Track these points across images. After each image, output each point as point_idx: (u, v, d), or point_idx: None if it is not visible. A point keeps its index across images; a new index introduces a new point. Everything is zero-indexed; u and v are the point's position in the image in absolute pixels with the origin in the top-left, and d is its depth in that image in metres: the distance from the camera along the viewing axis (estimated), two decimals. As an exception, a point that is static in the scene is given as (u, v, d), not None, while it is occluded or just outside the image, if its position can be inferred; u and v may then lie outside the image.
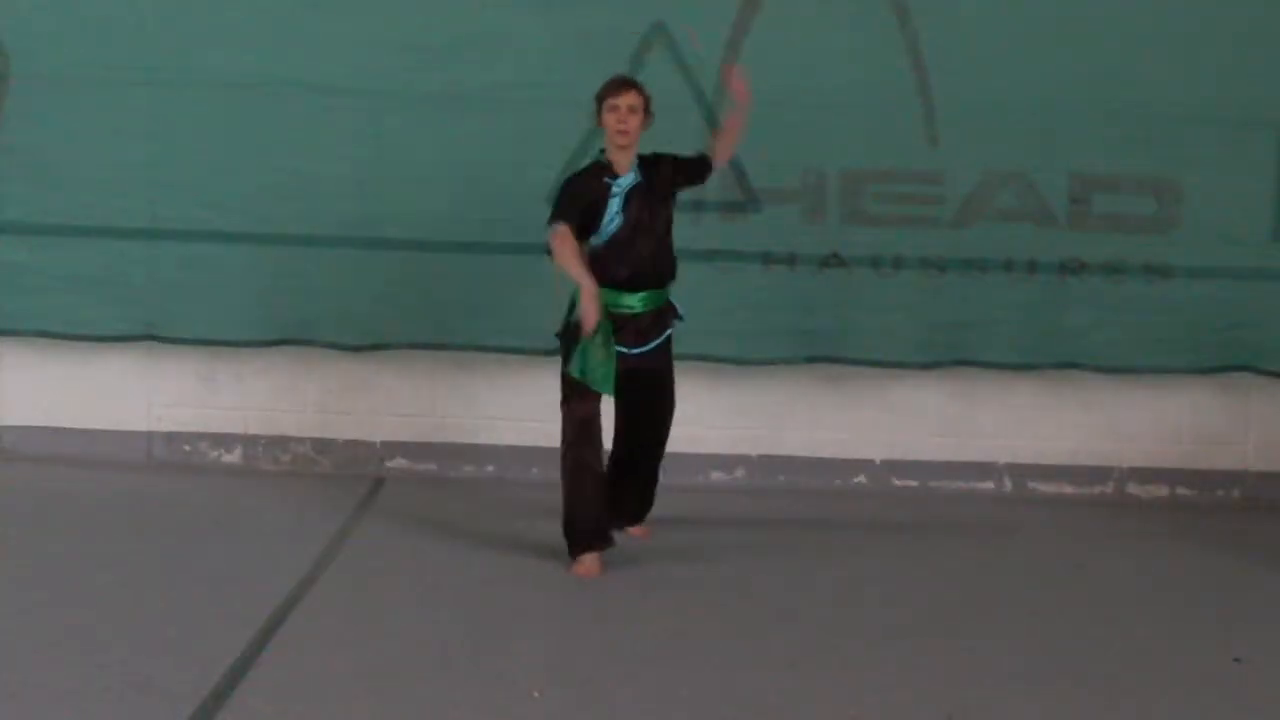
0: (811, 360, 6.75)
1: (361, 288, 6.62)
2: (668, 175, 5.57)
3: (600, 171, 5.47)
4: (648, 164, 5.53)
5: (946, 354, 6.73)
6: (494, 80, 6.54)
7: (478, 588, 5.19)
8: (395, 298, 6.64)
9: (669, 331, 5.64)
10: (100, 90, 6.50)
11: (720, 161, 5.74)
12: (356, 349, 6.71)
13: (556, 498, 6.09)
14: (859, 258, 6.63)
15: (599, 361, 5.34)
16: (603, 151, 5.52)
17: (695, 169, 5.67)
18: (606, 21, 6.50)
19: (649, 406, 5.68)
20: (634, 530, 5.88)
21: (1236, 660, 4.68)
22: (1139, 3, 6.58)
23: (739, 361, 6.68)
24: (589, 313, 5.26)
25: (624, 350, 5.45)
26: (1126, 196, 6.64)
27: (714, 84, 6.52)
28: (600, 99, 5.44)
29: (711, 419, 6.66)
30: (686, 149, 5.74)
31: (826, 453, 6.88)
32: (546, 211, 6.40)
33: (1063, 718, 4.21)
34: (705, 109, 6.51)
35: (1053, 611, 5.15)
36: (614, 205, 5.43)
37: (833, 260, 6.64)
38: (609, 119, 5.41)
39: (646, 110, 5.45)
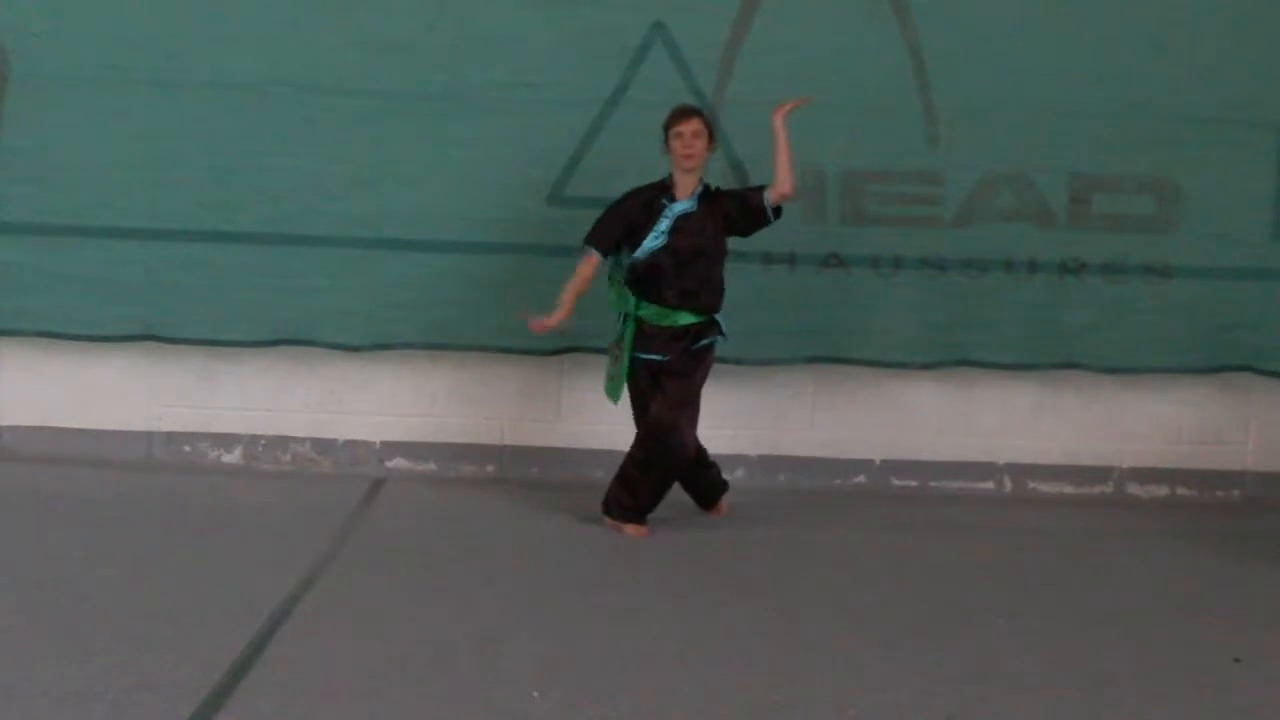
0: (811, 360, 6.76)
1: (361, 288, 6.62)
2: (730, 210, 5.85)
3: (662, 191, 5.82)
4: (712, 196, 5.86)
5: (946, 354, 6.74)
6: (494, 80, 6.54)
7: (478, 588, 5.18)
8: (395, 298, 6.64)
9: (704, 341, 5.87)
10: (100, 90, 6.50)
11: (787, 190, 5.80)
12: (356, 349, 6.71)
13: (556, 497, 6.12)
14: (859, 258, 6.64)
15: (612, 372, 5.89)
16: (670, 175, 5.83)
17: (749, 219, 5.86)
18: (606, 21, 6.51)
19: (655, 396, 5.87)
20: (633, 530, 5.89)
21: (1236, 660, 4.68)
22: (1139, 3, 6.59)
23: (739, 361, 6.68)
24: (542, 322, 5.81)
25: (654, 358, 5.83)
26: (1126, 196, 6.66)
27: (714, 84, 6.53)
28: (667, 127, 5.79)
29: (711, 419, 6.64)
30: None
31: (826, 453, 6.88)
32: (546, 212, 6.42)
33: (1063, 718, 4.21)
34: (705, 108, 6.50)
35: (1053, 611, 5.15)
36: (662, 225, 5.77)
37: (833, 260, 6.65)
38: (675, 145, 5.77)
39: (711, 136, 5.82)
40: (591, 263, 5.82)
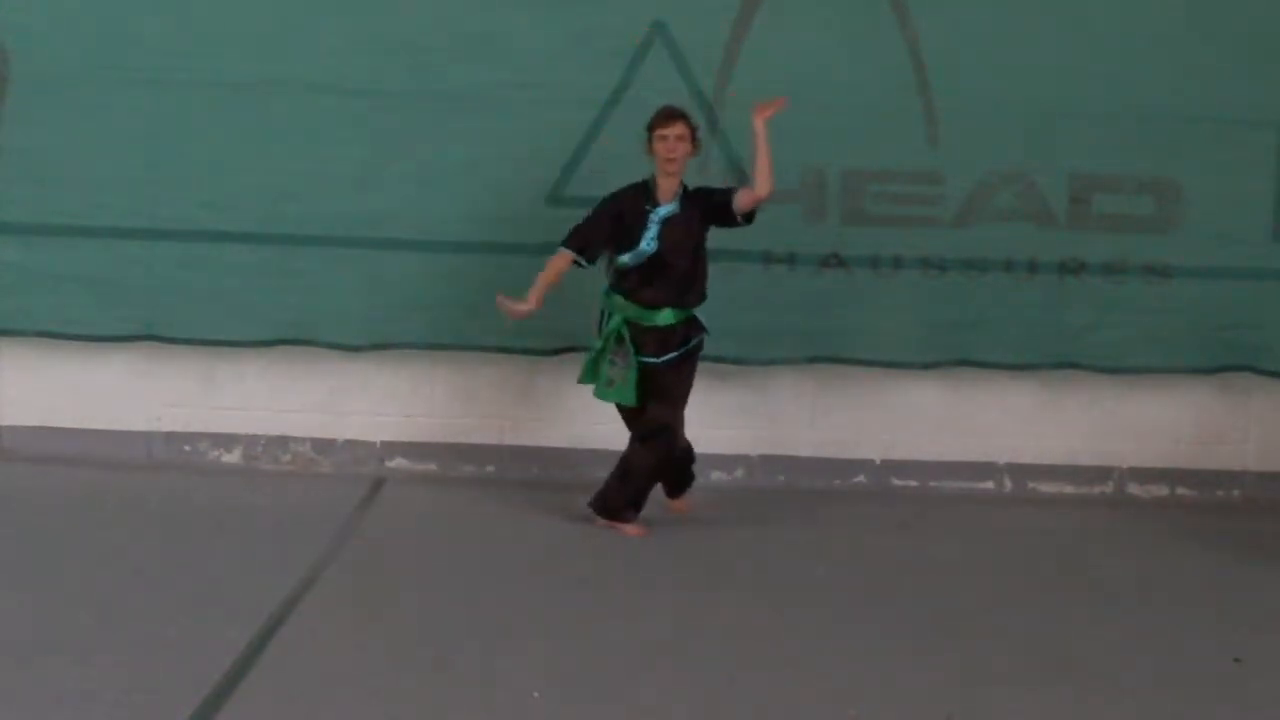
0: (811, 360, 6.75)
1: (361, 288, 6.62)
2: (704, 208, 5.84)
3: (644, 197, 5.81)
4: (690, 196, 5.85)
5: (946, 354, 6.74)
6: (494, 80, 6.54)
7: (478, 588, 5.19)
8: (395, 298, 6.64)
9: (693, 343, 5.89)
10: (100, 90, 6.50)
11: (762, 193, 5.77)
12: (356, 349, 6.71)
13: (557, 497, 6.12)
14: (859, 258, 6.64)
15: (614, 376, 5.84)
16: (652, 177, 5.81)
17: (724, 215, 5.85)
18: (606, 21, 6.51)
19: (648, 400, 5.87)
20: (633, 530, 5.90)
21: (1236, 660, 4.69)
22: (1139, 3, 6.59)
23: (739, 361, 6.68)
24: (511, 309, 5.81)
25: (645, 359, 5.81)
26: (1126, 196, 6.65)
27: (714, 84, 6.53)
28: (650, 129, 5.77)
29: (711, 419, 6.65)
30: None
31: (826, 453, 6.88)
32: (546, 212, 6.42)
33: (1063, 718, 4.21)
34: (705, 108, 6.51)
35: (1053, 611, 5.15)
36: (651, 231, 5.76)
37: (833, 260, 6.65)
38: (659, 147, 5.75)
39: (694, 139, 5.80)
40: (566, 259, 5.81)
